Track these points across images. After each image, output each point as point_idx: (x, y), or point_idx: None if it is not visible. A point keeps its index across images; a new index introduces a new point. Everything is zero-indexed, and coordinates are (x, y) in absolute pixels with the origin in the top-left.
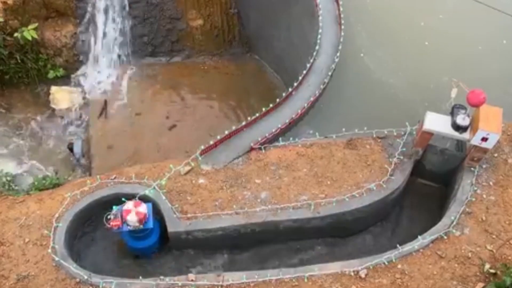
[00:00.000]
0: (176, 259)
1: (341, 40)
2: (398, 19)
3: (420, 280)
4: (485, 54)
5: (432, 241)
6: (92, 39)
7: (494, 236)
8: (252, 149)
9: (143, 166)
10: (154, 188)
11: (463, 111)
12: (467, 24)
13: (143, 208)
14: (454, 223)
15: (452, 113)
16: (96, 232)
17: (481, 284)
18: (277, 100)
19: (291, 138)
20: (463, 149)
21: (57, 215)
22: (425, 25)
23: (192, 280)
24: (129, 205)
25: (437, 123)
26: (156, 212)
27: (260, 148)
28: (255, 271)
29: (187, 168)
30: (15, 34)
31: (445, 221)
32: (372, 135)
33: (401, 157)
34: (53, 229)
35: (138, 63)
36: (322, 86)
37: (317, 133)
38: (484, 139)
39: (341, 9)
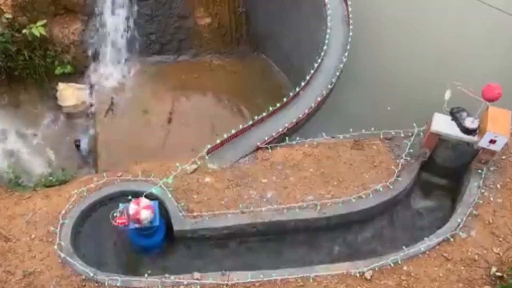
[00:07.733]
0: (182, 255)
1: (349, 40)
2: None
3: (425, 282)
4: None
5: (438, 243)
6: (100, 37)
7: (501, 239)
8: (258, 148)
9: (149, 164)
10: (160, 186)
11: (465, 114)
12: (473, 25)
13: (145, 201)
14: (461, 225)
15: (455, 117)
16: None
17: (487, 287)
18: (284, 99)
19: (298, 138)
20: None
21: (63, 211)
22: (431, 25)
23: (197, 279)
24: (132, 207)
25: (444, 124)
26: (162, 210)
27: (266, 148)
28: (260, 271)
29: (194, 166)
30: (24, 31)
31: (451, 223)
32: (379, 136)
33: (408, 158)
34: (59, 226)
35: (146, 61)
36: (329, 86)
37: (324, 133)
38: (492, 141)
39: (349, 9)
